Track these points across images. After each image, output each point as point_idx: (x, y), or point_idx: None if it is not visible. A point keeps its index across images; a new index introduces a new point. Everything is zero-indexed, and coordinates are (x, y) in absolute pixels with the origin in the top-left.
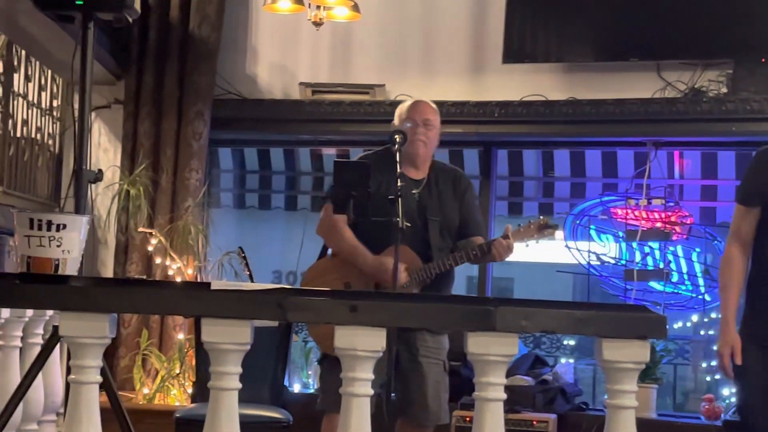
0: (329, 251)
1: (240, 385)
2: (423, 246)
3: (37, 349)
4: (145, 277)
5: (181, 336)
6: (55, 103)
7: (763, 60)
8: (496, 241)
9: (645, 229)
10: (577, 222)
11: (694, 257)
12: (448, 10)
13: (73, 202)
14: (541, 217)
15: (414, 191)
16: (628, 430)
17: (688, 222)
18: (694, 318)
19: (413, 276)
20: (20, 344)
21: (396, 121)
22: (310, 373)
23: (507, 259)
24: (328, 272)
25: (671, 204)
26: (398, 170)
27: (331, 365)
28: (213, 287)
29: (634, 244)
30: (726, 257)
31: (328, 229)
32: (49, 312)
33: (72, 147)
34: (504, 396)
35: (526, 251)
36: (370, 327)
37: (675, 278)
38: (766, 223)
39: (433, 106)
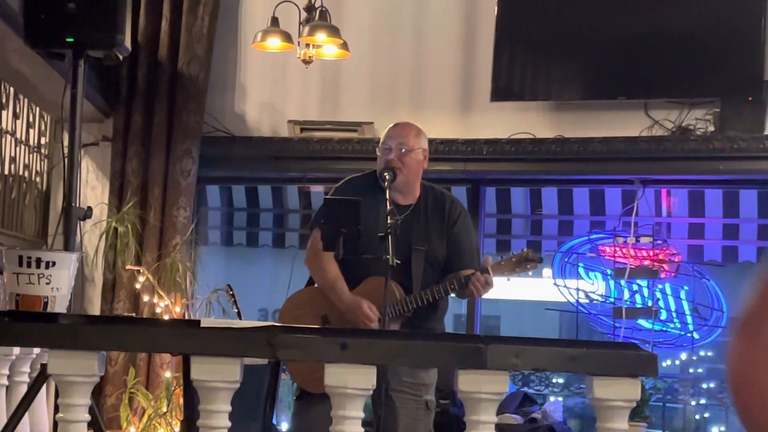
0: None
1: (229, 424)
2: (405, 276)
3: (24, 388)
4: (133, 314)
5: (168, 374)
6: (43, 141)
7: (750, 98)
8: (473, 276)
9: (633, 266)
10: (566, 260)
11: (683, 295)
12: (436, 49)
13: (61, 239)
14: (524, 249)
15: (399, 218)
16: None
17: (676, 260)
18: (683, 356)
19: (389, 311)
20: (6, 382)
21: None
22: (294, 407)
23: (491, 296)
24: (307, 303)
25: (659, 242)
26: (388, 207)
27: (307, 403)
28: (203, 325)
29: (623, 282)
30: None
31: (312, 260)
32: (36, 350)
33: (60, 184)
34: None
35: (513, 289)
36: (360, 365)
37: (663, 316)
38: None
39: (414, 127)
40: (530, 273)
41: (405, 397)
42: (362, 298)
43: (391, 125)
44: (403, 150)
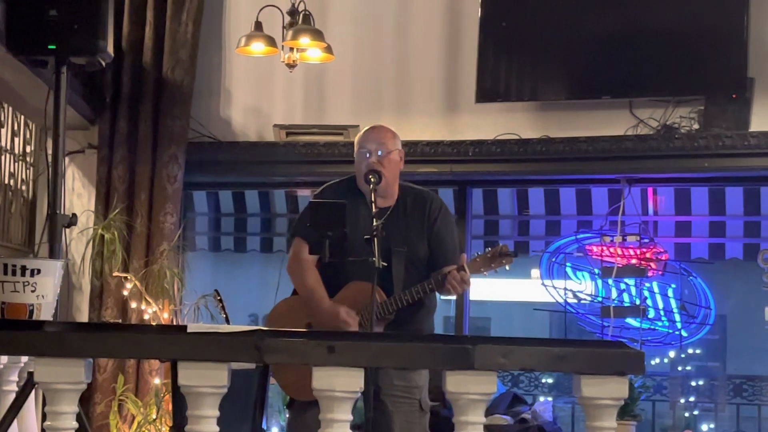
0: None
1: (218, 429)
2: (386, 279)
3: (12, 397)
4: (119, 321)
5: (157, 381)
6: (28, 149)
7: (734, 96)
8: (449, 274)
9: (620, 265)
10: (553, 260)
11: (670, 293)
12: (421, 51)
13: (47, 247)
14: (498, 244)
15: (380, 222)
16: None
17: (663, 258)
18: (671, 354)
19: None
20: None
21: (355, 150)
22: (287, 416)
23: (480, 298)
24: (292, 311)
25: (646, 240)
26: (374, 209)
27: (299, 411)
28: (189, 330)
29: (610, 281)
30: None
31: (293, 267)
32: (24, 358)
33: (46, 192)
34: None
35: (502, 290)
36: (348, 367)
37: (651, 314)
38: None
39: (388, 129)
40: (507, 268)
41: (398, 401)
42: (340, 305)
43: (366, 129)
44: (381, 153)
